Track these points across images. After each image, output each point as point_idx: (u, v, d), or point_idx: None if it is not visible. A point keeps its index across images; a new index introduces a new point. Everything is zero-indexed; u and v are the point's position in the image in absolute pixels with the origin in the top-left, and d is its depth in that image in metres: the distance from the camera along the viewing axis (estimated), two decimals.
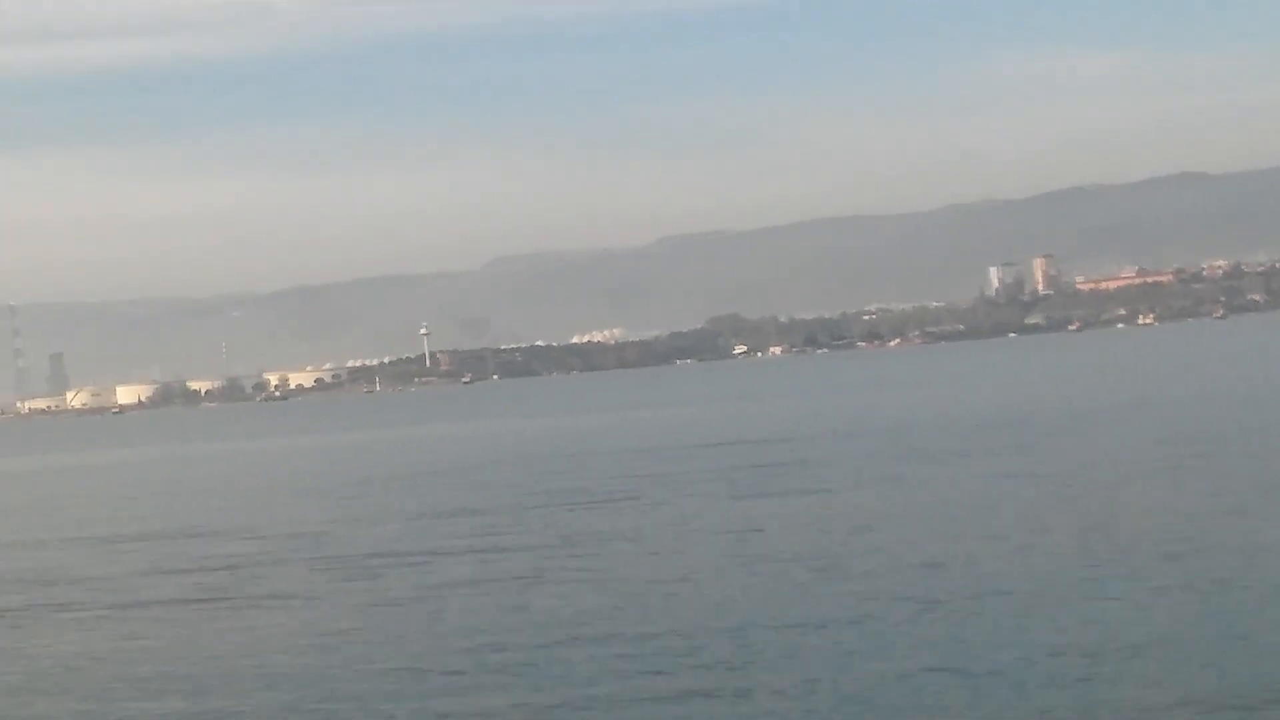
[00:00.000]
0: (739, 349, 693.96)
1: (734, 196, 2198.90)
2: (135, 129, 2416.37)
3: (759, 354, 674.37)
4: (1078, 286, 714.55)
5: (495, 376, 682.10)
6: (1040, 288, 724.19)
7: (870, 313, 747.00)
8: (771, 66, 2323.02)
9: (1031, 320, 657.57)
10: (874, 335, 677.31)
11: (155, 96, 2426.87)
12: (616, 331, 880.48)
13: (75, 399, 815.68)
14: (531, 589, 45.49)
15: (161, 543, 68.87)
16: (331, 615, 43.67)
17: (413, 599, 45.52)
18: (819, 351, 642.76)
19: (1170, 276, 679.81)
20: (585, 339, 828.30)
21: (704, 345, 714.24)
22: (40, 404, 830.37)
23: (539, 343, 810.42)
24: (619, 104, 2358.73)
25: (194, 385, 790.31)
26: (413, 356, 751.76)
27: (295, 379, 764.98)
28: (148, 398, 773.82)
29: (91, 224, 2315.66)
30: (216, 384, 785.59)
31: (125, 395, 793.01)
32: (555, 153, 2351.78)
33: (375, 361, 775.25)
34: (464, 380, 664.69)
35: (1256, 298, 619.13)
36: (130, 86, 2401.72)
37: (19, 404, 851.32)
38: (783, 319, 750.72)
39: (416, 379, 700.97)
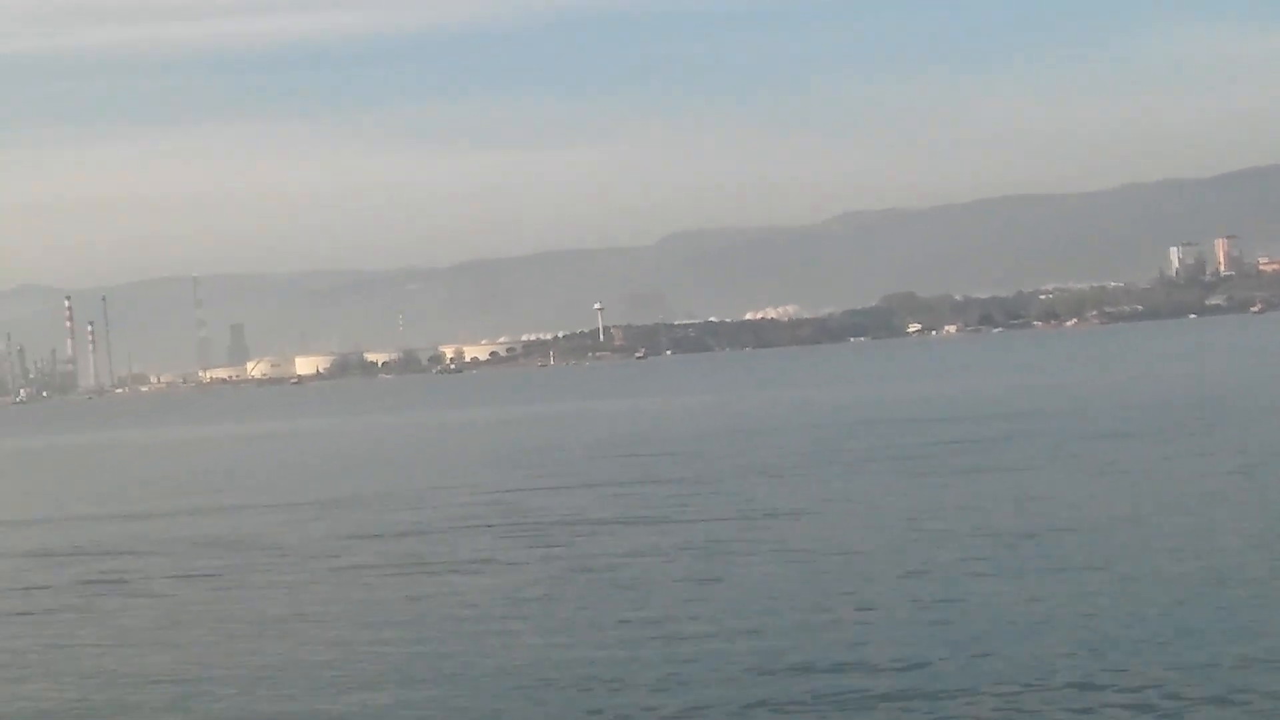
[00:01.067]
0: (913, 327, 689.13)
1: (911, 174, 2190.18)
2: (318, 103, 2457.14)
3: (933, 333, 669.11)
4: (1260, 268, 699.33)
5: (669, 352, 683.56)
6: (1222, 268, 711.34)
7: (1047, 292, 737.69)
8: (952, 43, 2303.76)
9: (1213, 301, 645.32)
10: (1050, 315, 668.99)
11: (337, 71, 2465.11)
12: (790, 309, 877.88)
13: (255, 369, 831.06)
14: (716, 560, 45.41)
15: (353, 509, 69.56)
16: (526, 581, 43.85)
17: (605, 566, 45.60)
18: (994, 331, 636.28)
19: None
20: (759, 316, 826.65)
21: (878, 323, 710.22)
22: (221, 374, 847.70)
23: (712, 319, 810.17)
24: (795, 82, 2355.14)
25: (371, 357, 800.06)
26: (586, 331, 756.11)
27: (470, 352, 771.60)
28: (325, 369, 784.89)
29: (273, 197, 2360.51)
30: (393, 356, 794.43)
31: (304, 366, 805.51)
32: (730, 130, 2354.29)
33: (549, 336, 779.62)
34: (637, 355, 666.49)
35: None
36: (313, 61, 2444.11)
37: (201, 373, 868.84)
38: (958, 297, 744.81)
39: (590, 354, 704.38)
